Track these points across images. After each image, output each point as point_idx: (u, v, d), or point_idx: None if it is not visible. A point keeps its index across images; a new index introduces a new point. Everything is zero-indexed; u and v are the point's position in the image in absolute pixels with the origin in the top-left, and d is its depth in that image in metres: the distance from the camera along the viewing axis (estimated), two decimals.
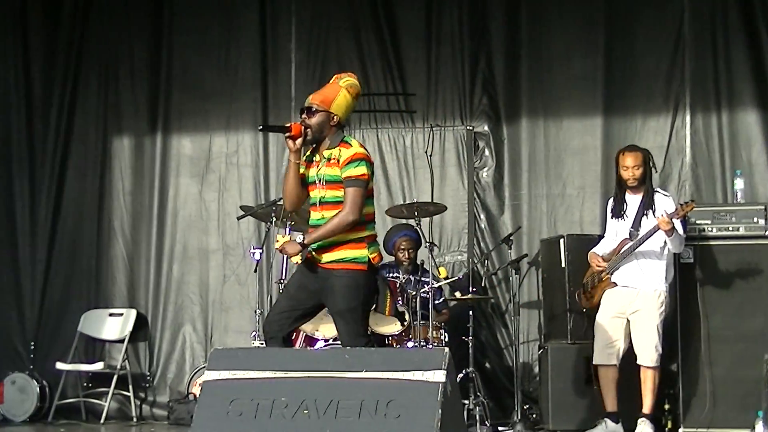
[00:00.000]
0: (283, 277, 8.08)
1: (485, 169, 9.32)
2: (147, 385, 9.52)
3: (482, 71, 9.35)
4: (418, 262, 8.32)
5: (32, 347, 9.65)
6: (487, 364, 9.10)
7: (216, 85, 9.67)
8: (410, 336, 7.87)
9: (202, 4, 9.73)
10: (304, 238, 6.07)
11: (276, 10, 9.61)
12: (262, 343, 8.04)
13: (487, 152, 9.32)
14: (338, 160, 6.07)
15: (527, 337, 9.01)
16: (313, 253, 6.09)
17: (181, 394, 9.26)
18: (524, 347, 8.95)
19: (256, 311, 8.43)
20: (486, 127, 9.32)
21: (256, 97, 9.60)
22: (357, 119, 9.32)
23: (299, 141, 6.10)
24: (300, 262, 6.03)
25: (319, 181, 6.13)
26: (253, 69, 9.62)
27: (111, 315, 9.51)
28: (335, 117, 6.16)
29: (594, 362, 7.43)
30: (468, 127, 9.33)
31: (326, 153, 6.12)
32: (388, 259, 8.43)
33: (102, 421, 9.17)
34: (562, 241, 8.24)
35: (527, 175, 9.25)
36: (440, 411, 4.46)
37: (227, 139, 9.65)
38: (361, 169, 6.03)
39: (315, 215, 6.16)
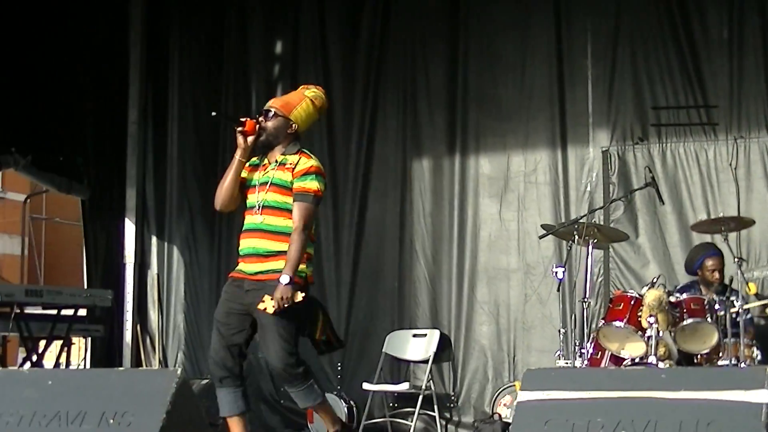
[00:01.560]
0: (587, 296, 7.94)
1: None
2: (452, 405, 9.54)
3: None
4: (726, 280, 8.07)
5: (339, 368, 9.85)
6: None
7: (512, 104, 9.64)
8: (719, 354, 7.61)
9: (497, 25, 9.73)
10: (288, 276, 5.72)
11: (571, 27, 9.50)
12: (567, 363, 7.98)
13: None
14: (294, 167, 5.89)
15: None
16: (243, 268, 5.92)
17: (486, 414, 9.23)
18: None
19: (559, 330, 8.31)
20: None
21: (553, 114, 9.51)
22: (657, 132, 9.15)
23: (251, 139, 5.92)
24: (303, 296, 5.78)
25: (262, 184, 5.92)
26: (549, 87, 9.53)
27: (415, 336, 9.57)
28: (294, 125, 6.00)
29: None
30: None
31: (280, 158, 5.95)
32: (689, 278, 8.21)
33: None
34: None
35: None
36: None
37: (525, 158, 9.60)
38: (317, 185, 5.90)
39: (253, 219, 5.96)
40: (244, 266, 5.97)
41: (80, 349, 10.44)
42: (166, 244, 10.79)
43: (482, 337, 9.57)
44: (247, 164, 6.04)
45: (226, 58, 10.66)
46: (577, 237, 7.93)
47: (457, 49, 9.79)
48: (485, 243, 9.65)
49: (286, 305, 5.75)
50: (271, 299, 5.74)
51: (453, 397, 9.55)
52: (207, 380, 6.88)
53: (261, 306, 5.76)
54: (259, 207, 5.94)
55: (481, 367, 9.55)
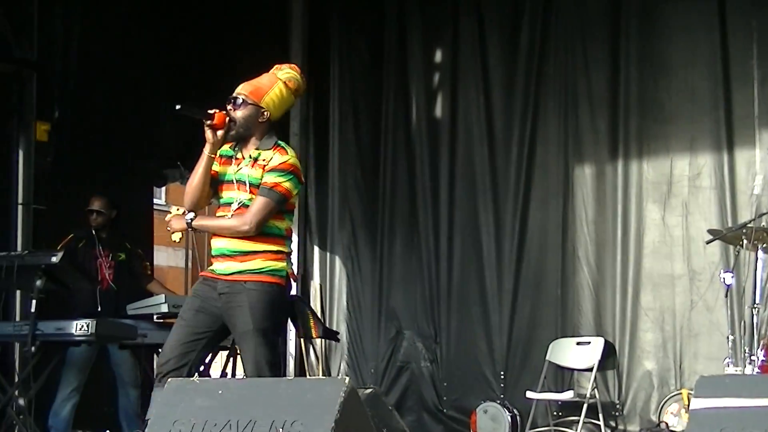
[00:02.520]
0: (756, 302, 7.76)
1: None
2: (617, 413, 9.41)
3: None
4: None
5: (502, 376, 9.83)
6: None
7: (676, 107, 9.48)
8: None
9: (659, 28, 9.58)
10: (192, 218, 5.47)
11: (735, 28, 9.28)
12: (737, 370, 7.80)
13: None
14: (266, 164, 5.40)
15: None
16: (215, 269, 5.48)
17: (652, 423, 9.09)
18: None
19: (728, 337, 8.12)
20: None
21: (718, 117, 9.30)
22: None
23: (220, 133, 5.37)
24: (177, 240, 5.54)
25: (239, 182, 5.43)
26: (714, 88, 9.33)
27: (578, 343, 9.46)
28: (266, 113, 5.44)
29: None
30: None
31: (254, 153, 5.45)
32: None
33: None
34: None
35: None
36: None
37: (689, 162, 9.41)
38: (287, 184, 5.38)
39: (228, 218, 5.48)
40: (218, 265, 5.52)
41: None
42: (328, 254, 10.94)
43: (647, 345, 9.43)
44: (218, 154, 5.54)
45: (385, 69, 10.76)
46: (745, 241, 7.75)
47: (618, 53, 9.67)
48: (649, 249, 9.50)
49: (170, 228, 5.63)
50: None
51: (618, 406, 9.43)
52: (371, 390, 6.91)
53: (167, 217, 5.62)
54: (234, 206, 5.46)
55: (647, 374, 9.40)
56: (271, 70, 5.61)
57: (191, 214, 5.47)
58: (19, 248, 8.41)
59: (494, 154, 10.13)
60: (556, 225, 9.85)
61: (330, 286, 10.89)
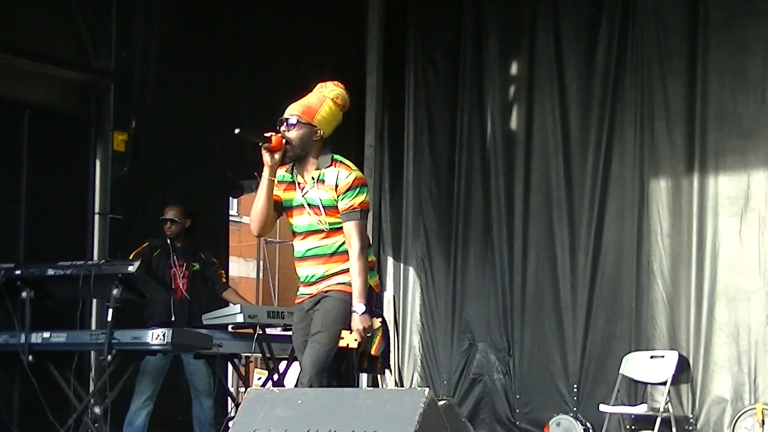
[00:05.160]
0: None
1: None
2: (690, 428, 9.32)
3: None
4: None
5: (575, 389, 9.79)
6: None
7: (753, 121, 9.36)
8: None
9: (737, 41, 9.50)
10: (362, 305, 5.31)
11: None
12: None
13: None
14: (335, 184, 5.39)
15: None
16: (303, 291, 5.53)
17: None
18: None
19: None
20: None
21: None
22: None
23: (278, 155, 5.37)
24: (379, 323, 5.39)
25: (310, 205, 5.42)
26: None
27: (652, 357, 9.42)
28: (319, 131, 5.45)
29: None
30: None
31: (315, 173, 5.44)
32: None
33: None
34: None
35: None
36: None
37: (767, 177, 9.32)
38: (362, 197, 5.40)
39: (304, 244, 5.49)
40: (305, 290, 5.58)
41: None
42: (401, 265, 10.96)
43: (721, 359, 9.32)
44: (277, 180, 5.54)
45: (461, 80, 10.77)
46: None
47: (695, 66, 9.59)
48: (725, 263, 9.41)
49: (368, 335, 5.39)
50: (350, 333, 5.35)
51: (692, 420, 9.35)
52: (445, 401, 6.91)
53: (342, 343, 5.34)
54: (308, 231, 5.50)
55: (721, 389, 9.30)
56: (316, 89, 5.65)
57: (360, 306, 5.35)
58: (95, 257, 8.49)
59: (570, 167, 10.11)
60: (631, 238, 9.79)
61: (403, 297, 10.92)
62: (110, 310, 7.24)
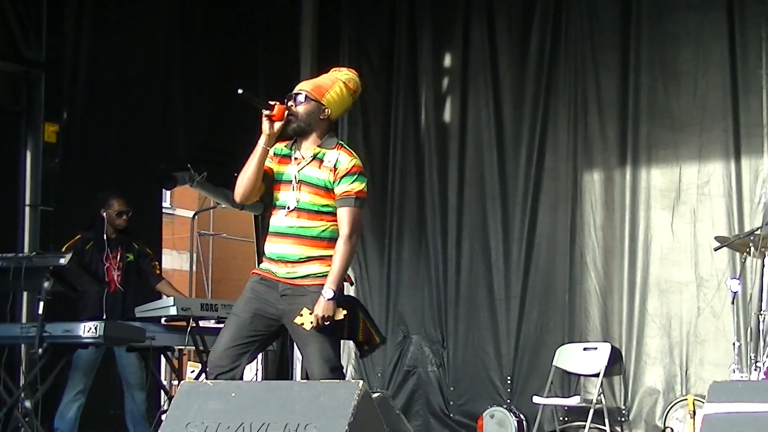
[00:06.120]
0: (763, 309, 7.76)
1: None
2: (623, 419, 9.41)
3: None
4: None
5: (509, 381, 9.84)
6: None
7: (685, 115, 9.48)
8: None
9: (669, 35, 9.58)
10: (332, 291, 5.19)
11: (745, 36, 9.27)
12: (742, 376, 7.80)
13: None
14: (334, 167, 5.30)
15: None
16: (274, 270, 5.34)
17: (658, 429, 9.11)
18: None
19: (734, 344, 8.12)
20: None
21: (727, 126, 9.30)
22: None
23: (278, 125, 5.29)
24: (343, 315, 5.24)
25: (301, 181, 5.33)
26: (723, 97, 9.33)
27: (585, 349, 9.50)
28: (327, 110, 5.39)
29: None
30: None
31: (315, 150, 5.36)
32: None
33: None
34: None
35: None
36: None
37: (698, 170, 9.41)
38: (361, 185, 5.32)
39: (286, 221, 5.33)
40: (278, 269, 5.39)
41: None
42: None
43: (654, 351, 9.43)
44: (273, 152, 5.44)
45: (395, 72, 10.77)
46: (752, 249, 7.77)
47: (628, 60, 9.67)
48: (657, 255, 9.51)
49: (326, 323, 5.24)
50: (310, 313, 5.24)
51: (624, 411, 9.44)
52: (379, 394, 6.92)
53: (298, 320, 5.24)
54: (292, 208, 5.35)
55: (653, 380, 9.41)
56: (330, 71, 5.61)
57: (329, 292, 5.23)
58: (26, 250, 8.38)
59: (503, 159, 10.15)
60: (564, 231, 9.86)
61: None
62: (41, 303, 7.13)
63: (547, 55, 10.02)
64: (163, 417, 4.78)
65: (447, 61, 10.66)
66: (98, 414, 8.57)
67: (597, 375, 9.31)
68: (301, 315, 5.24)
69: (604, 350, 9.38)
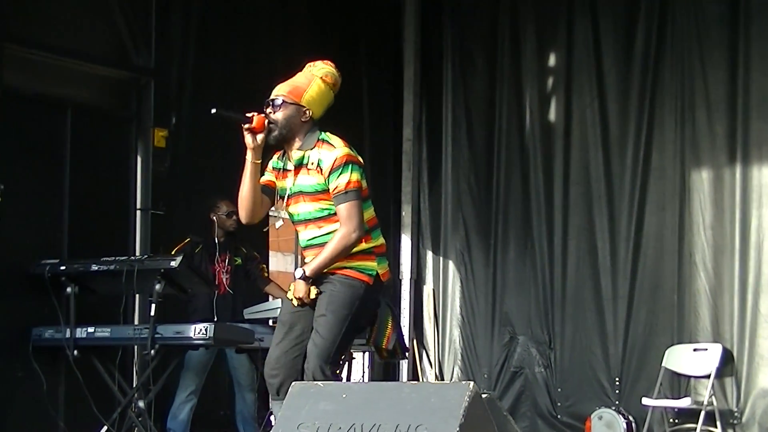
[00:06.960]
0: None
1: None
2: (735, 421, 9.25)
3: None
4: None
5: (617, 383, 9.75)
6: None
7: None
8: None
9: None
10: (303, 270, 5.17)
11: None
12: None
13: None
14: (318, 167, 5.13)
15: None
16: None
17: None
18: None
19: None
20: None
21: None
22: None
23: (260, 137, 5.13)
24: (316, 294, 5.16)
25: (302, 193, 5.23)
26: None
27: (695, 350, 9.36)
28: (307, 112, 5.21)
29: None
30: None
31: (298, 156, 5.20)
32: None
33: None
34: None
35: None
36: None
37: None
38: (350, 176, 5.13)
39: (305, 234, 5.28)
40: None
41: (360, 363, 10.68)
42: (441, 259, 10.94)
43: (767, 352, 9.24)
44: (271, 166, 5.37)
45: (498, 73, 10.74)
46: None
47: (737, 55, 9.50)
48: None
49: (305, 301, 5.20)
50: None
51: (736, 413, 9.28)
52: (486, 395, 6.87)
53: (289, 295, 5.30)
54: (304, 221, 5.29)
55: (766, 382, 9.22)
56: (305, 68, 5.43)
57: (300, 271, 5.24)
58: (137, 253, 8.52)
59: (609, 158, 10.05)
60: (672, 230, 9.73)
61: (443, 290, 10.90)
62: (153, 305, 7.29)
63: (652, 52, 9.89)
64: (272, 418, 4.83)
65: (551, 60, 10.60)
66: (209, 414, 8.70)
67: (708, 376, 9.18)
68: (290, 290, 5.32)
69: (715, 351, 9.24)
